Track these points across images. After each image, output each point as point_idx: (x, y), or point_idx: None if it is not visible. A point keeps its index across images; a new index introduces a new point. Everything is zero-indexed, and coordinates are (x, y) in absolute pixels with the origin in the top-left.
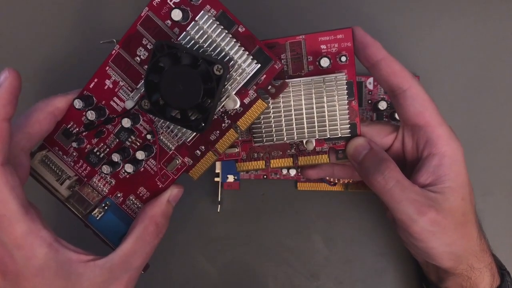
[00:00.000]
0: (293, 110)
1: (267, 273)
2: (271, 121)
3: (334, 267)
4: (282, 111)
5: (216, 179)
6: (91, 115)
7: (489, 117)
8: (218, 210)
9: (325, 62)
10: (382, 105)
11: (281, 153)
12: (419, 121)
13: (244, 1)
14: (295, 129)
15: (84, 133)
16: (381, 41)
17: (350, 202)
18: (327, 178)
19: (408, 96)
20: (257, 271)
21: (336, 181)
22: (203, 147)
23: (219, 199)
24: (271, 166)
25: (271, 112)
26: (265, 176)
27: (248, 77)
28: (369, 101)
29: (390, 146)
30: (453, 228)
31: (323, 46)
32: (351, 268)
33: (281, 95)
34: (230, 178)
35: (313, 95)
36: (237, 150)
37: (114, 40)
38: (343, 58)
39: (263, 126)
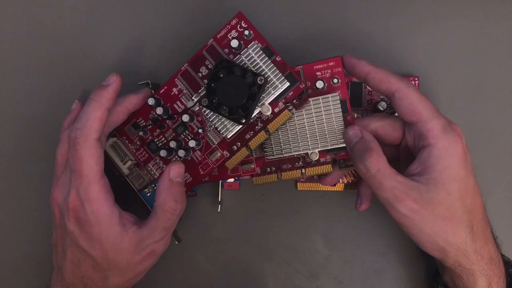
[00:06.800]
0: (296, 126)
1: (267, 273)
2: (279, 136)
3: (334, 267)
4: (288, 128)
5: None
6: (159, 110)
7: (489, 117)
8: (218, 210)
9: (320, 84)
10: (382, 106)
11: (290, 166)
12: (412, 118)
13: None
14: (299, 141)
15: (150, 126)
16: (381, 41)
17: (350, 202)
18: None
19: (396, 97)
20: (257, 271)
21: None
22: (239, 144)
23: (219, 199)
24: (283, 178)
25: (279, 130)
26: None
27: (280, 91)
28: (369, 101)
29: (402, 139)
30: (433, 220)
31: (318, 73)
32: (351, 268)
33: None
34: (230, 178)
35: (313, 113)
36: (252, 166)
37: (149, 82)
38: (335, 80)
39: (272, 142)
